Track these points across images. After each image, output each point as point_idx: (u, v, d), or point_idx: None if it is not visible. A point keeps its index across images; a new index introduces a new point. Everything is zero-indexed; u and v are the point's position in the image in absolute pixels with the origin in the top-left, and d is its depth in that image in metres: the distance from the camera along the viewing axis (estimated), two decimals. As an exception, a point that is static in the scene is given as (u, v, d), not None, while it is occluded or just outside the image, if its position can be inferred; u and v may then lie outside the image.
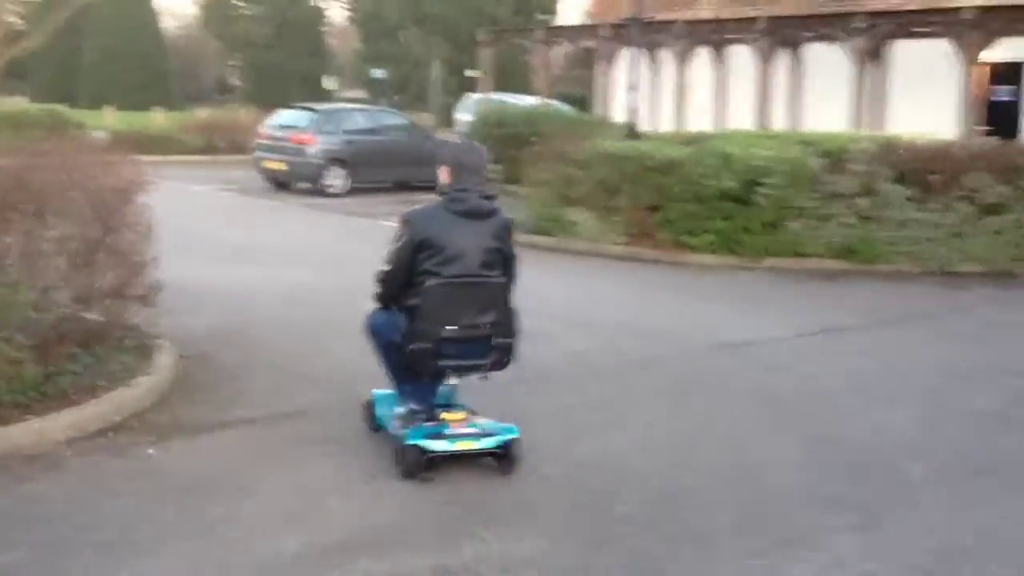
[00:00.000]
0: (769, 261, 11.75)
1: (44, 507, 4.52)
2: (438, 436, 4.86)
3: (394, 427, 5.10)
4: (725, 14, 25.06)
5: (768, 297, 10.42)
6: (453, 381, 5.14)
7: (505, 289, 5.05)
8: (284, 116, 19.87)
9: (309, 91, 57.87)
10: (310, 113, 19.32)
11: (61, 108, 25.80)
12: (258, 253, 11.97)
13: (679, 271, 11.58)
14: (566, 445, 5.52)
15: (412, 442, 4.83)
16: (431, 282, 4.82)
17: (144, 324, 6.75)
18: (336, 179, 18.68)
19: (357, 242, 13.10)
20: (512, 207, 8.54)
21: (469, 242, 4.89)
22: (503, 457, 4.97)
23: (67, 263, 6.05)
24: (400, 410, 5.14)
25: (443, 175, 5.06)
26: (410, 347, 4.87)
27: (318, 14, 62.71)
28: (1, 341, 5.32)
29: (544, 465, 5.14)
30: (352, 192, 18.71)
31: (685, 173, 12.01)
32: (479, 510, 4.62)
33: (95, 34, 61.99)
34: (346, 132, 19.04)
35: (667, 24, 24.59)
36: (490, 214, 5.02)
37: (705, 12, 25.84)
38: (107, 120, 26.53)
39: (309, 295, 9.56)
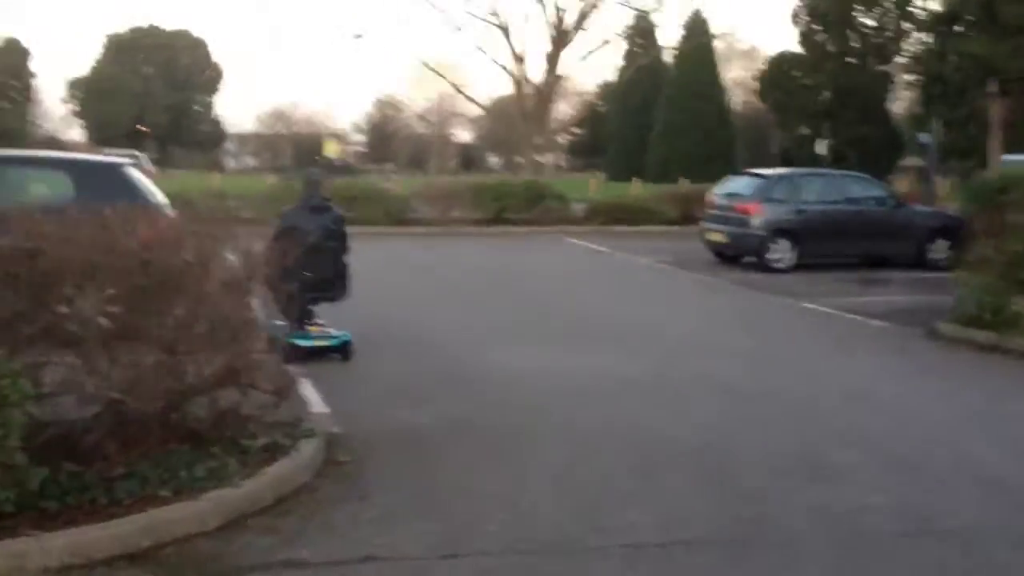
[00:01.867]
0: None
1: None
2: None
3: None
4: None
5: None
6: None
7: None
8: (732, 183, 18.21)
9: (871, 160, 55.47)
10: (757, 180, 17.44)
11: (544, 180, 26.69)
12: (604, 334, 10.50)
13: None
14: None
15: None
16: None
17: (292, 416, 5.74)
18: (780, 253, 16.55)
19: (745, 330, 11.11)
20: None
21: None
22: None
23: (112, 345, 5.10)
24: None
25: None
26: None
27: (883, 80, 59.66)
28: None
29: None
30: (801, 268, 16.45)
31: None
32: None
33: (664, 111, 65.95)
34: (797, 201, 16.82)
35: None
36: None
37: None
38: (591, 191, 26.93)
39: (618, 392, 7.94)
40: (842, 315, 12.19)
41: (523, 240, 21.73)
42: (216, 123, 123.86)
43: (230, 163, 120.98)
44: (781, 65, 63.02)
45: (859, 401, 7.85)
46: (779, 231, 16.56)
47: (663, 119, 65.60)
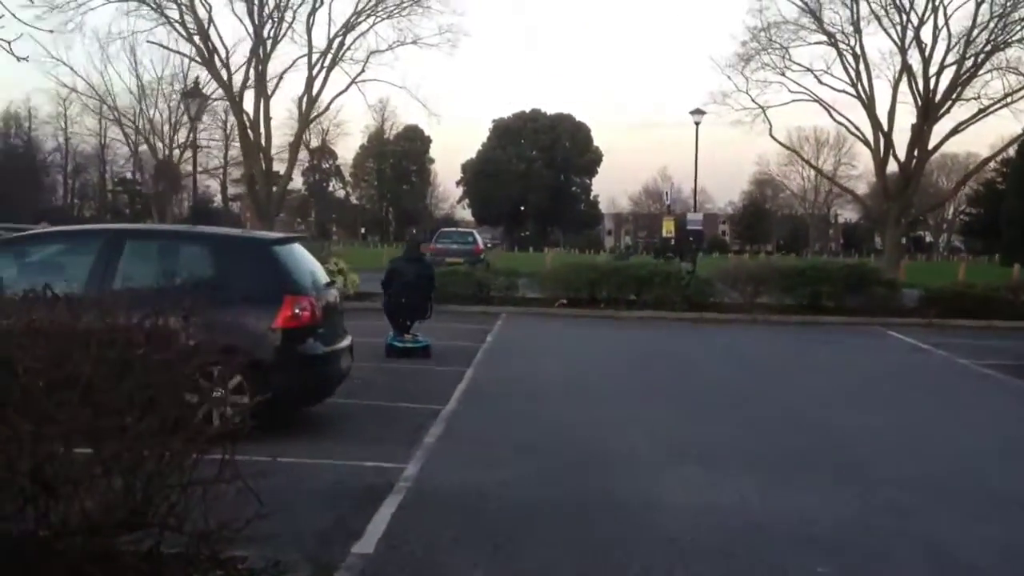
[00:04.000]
0: None
1: None
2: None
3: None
4: None
5: None
6: None
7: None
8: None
9: None
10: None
11: (872, 264, 23.55)
12: (819, 477, 8.16)
13: None
14: None
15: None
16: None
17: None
18: None
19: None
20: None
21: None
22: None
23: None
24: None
25: None
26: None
27: None
28: None
29: None
30: None
31: None
32: None
33: None
34: None
35: None
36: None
37: None
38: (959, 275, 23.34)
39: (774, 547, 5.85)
40: None
41: (834, 332, 19.05)
42: (594, 203, 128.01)
43: (608, 242, 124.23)
44: None
45: None
46: None
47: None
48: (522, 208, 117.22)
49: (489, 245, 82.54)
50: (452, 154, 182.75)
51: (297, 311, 8.26)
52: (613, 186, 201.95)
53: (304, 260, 9.13)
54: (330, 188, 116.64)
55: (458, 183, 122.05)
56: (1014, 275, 24.69)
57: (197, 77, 42.60)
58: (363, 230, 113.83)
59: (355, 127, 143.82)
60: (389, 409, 9.94)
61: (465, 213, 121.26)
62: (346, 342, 9.33)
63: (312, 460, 7.63)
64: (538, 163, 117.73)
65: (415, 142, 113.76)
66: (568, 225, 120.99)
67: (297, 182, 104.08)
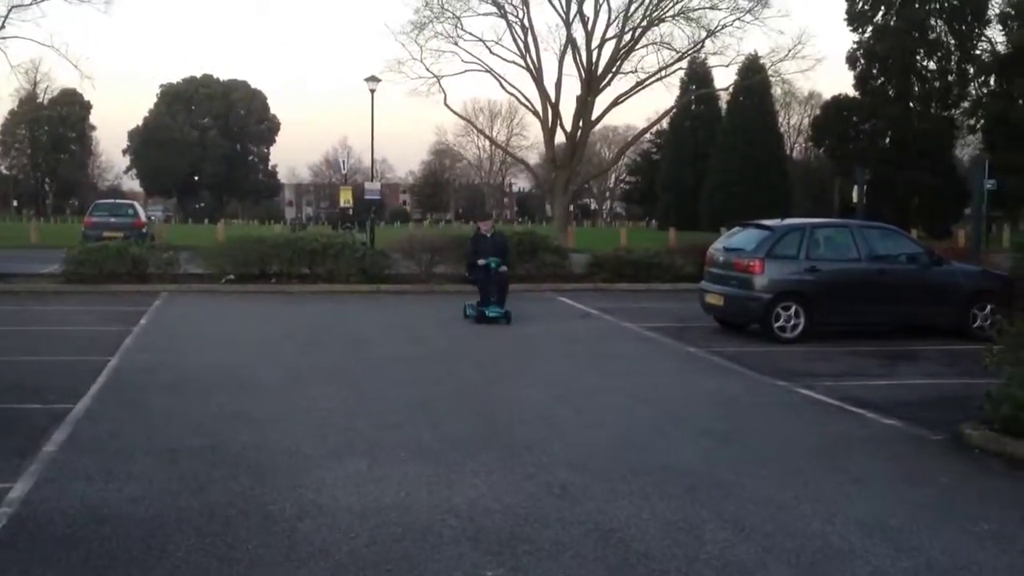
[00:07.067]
0: None
1: None
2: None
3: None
4: None
5: None
6: None
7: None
8: (735, 237, 15.41)
9: (938, 210, 51.89)
10: (760, 232, 14.59)
11: (543, 231, 24.10)
12: (505, 440, 7.75)
13: None
14: None
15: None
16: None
17: None
18: (787, 320, 13.73)
19: (701, 434, 8.33)
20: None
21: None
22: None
23: None
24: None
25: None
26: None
27: (947, 125, 55.96)
28: None
29: None
30: (812, 338, 13.62)
31: None
32: None
33: (719, 159, 63.29)
34: (809, 258, 13.97)
35: None
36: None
37: None
38: (621, 242, 24.29)
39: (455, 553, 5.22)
40: (844, 408, 9.34)
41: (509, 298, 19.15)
42: (273, 173, 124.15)
43: (289, 213, 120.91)
44: (837, 109, 59.83)
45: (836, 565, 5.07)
46: (785, 293, 13.75)
47: (717, 167, 63.04)
48: (196, 178, 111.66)
49: (160, 217, 77.63)
50: (117, 121, 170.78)
51: None
52: (294, 156, 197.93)
53: None
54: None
55: (124, 152, 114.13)
56: (671, 239, 26.14)
57: None
58: (15, 203, 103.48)
59: (3, 90, 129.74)
60: (4, 413, 8.46)
61: (133, 184, 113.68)
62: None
63: None
64: (212, 131, 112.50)
65: (73, 107, 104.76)
66: (246, 195, 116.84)
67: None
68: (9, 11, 32.10)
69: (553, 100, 38.56)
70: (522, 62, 38.18)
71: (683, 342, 13.68)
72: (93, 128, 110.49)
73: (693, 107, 68.92)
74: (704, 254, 17.17)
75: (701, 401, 9.82)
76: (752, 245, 14.30)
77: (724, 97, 66.43)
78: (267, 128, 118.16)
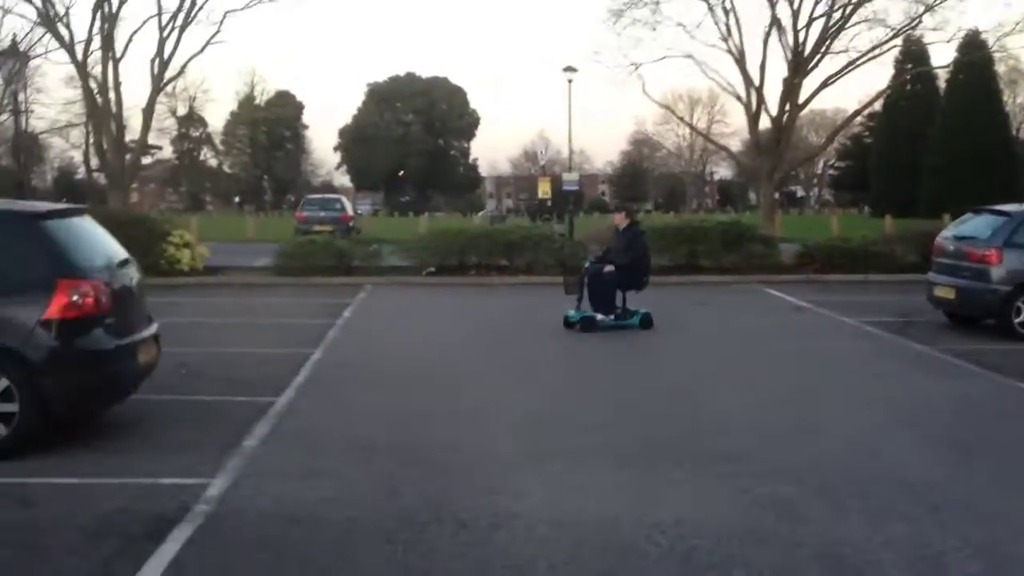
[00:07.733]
0: None
1: None
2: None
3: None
4: None
5: None
6: None
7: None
8: (966, 224, 14.04)
9: None
10: (997, 218, 13.18)
11: (748, 220, 23.00)
12: (698, 450, 7.14)
13: None
14: None
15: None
16: None
17: None
18: (1030, 315, 12.37)
19: (928, 445, 7.44)
20: None
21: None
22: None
23: None
24: None
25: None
26: None
27: None
28: None
29: None
30: (1064, 334, 12.19)
31: None
32: None
33: (939, 141, 59.67)
34: (1055, 245, 12.51)
35: None
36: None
37: None
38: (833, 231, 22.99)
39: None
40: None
41: (712, 291, 18.34)
42: (473, 166, 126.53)
43: (489, 204, 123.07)
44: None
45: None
46: (1028, 286, 12.38)
47: (937, 149, 59.32)
48: (401, 173, 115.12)
49: (368, 211, 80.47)
50: (328, 120, 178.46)
51: (75, 298, 6.78)
52: (493, 149, 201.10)
53: (88, 236, 7.58)
54: (201, 157, 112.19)
55: (335, 149, 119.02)
56: (887, 226, 24.49)
57: (13, 34, 39.99)
58: (237, 199, 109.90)
59: (224, 93, 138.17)
60: (210, 405, 8.57)
61: (344, 179, 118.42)
62: (149, 331, 7.88)
63: (94, 480, 6.26)
64: (415, 127, 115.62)
65: (288, 108, 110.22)
66: (448, 189, 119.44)
67: (167, 151, 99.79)
68: (224, 16, 33.85)
69: (757, 84, 37.04)
70: (723, 46, 36.83)
71: (909, 339, 12.53)
72: (306, 127, 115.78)
73: (908, 87, 64.90)
74: (927, 242, 15.92)
75: (935, 406, 8.84)
76: (988, 233, 12.97)
77: (943, 76, 62.24)
78: (467, 123, 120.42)
